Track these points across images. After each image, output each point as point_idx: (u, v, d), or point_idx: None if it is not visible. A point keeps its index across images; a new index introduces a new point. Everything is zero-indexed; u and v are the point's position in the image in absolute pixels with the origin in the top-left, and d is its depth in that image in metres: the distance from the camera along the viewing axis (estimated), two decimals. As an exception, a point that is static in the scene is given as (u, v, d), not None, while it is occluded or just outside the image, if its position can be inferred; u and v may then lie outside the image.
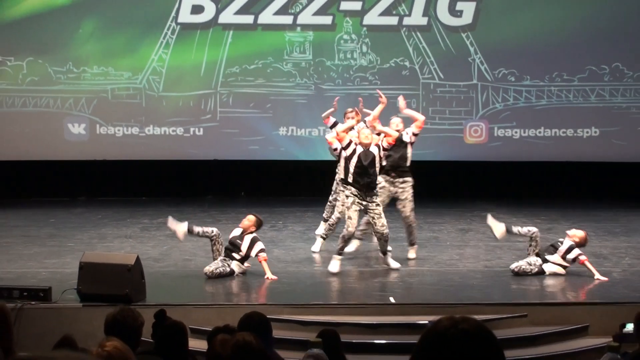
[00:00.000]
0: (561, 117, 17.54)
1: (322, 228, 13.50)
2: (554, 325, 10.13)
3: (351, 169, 11.62)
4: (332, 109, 13.06)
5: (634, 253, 12.92)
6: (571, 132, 17.61)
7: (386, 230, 11.59)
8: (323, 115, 13.16)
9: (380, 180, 12.09)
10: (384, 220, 11.55)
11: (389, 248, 11.98)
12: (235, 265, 11.39)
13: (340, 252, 11.73)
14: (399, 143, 12.15)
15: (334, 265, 11.69)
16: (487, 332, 2.26)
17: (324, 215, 13.55)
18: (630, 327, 8.03)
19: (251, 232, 11.57)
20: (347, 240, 11.71)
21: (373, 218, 11.62)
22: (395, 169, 12.33)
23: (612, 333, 8.81)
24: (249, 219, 11.67)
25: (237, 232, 11.66)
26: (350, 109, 13.01)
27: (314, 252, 12.71)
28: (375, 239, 12.57)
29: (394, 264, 11.84)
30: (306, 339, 7.31)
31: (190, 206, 16.39)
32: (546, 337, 10.00)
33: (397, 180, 12.35)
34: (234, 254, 11.43)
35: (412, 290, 11.12)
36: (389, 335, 9.84)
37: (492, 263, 11.96)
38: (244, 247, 11.44)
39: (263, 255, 11.41)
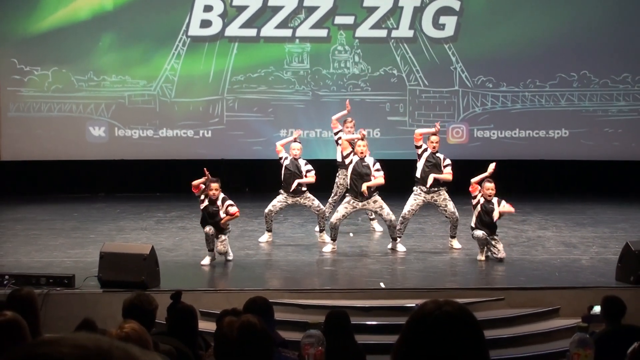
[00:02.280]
0: (534, 119, 17.54)
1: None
2: (529, 307, 10.12)
3: (348, 176, 11.93)
4: (344, 112, 13.34)
5: (600, 242, 12.92)
6: (543, 133, 17.62)
7: (392, 217, 11.93)
8: (334, 117, 13.44)
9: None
10: (387, 210, 11.85)
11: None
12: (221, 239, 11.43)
13: (333, 238, 12.17)
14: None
15: (328, 248, 12.18)
16: (468, 314, 2.25)
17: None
18: (597, 309, 8.04)
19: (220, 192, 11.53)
20: (334, 228, 12.07)
21: (376, 211, 12.07)
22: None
23: (581, 314, 8.82)
24: (217, 187, 11.46)
25: (208, 202, 11.49)
26: (350, 119, 13.15)
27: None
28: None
29: (400, 248, 12.04)
30: (305, 320, 7.30)
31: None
32: (521, 318, 10.00)
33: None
34: (215, 219, 11.39)
35: (400, 276, 11.11)
36: (379, 317, 9.84)
37: (473, 252, 11.94)
38: (222, 212, 11.43)
39: (233, 209, 11.37)
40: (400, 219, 12.24)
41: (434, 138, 12.29)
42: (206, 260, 11.44)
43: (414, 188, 12.33)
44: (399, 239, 12.23)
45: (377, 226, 13.53)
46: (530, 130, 17.59)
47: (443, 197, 12.26)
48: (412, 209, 12.25)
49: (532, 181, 17.56)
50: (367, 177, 11.89)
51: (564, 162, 17.57)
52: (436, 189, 12.23)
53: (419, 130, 12.60)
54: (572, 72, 17.43)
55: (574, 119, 17.54)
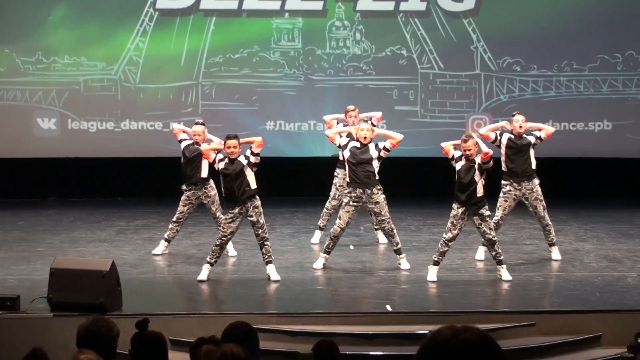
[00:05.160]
0: (571, 109, 17.56)
1: (317, 236, 13.59)
2: (564, 334, 10.15)
3: (346, 166, 11.95)
4: (339, 115, 13.31)
5: (650, 257, 12.95)
6: (581, 125, 17.64)
7: (387, 225, 11.91)
8: (327, 117, 13.34)
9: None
10: (387, 215, 11.84)
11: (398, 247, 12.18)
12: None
13: (327, 250, 12.20)
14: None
15: (319, 263, 12.21)
16: (491, 343, 2.26)
17: (319, 223, 13.60)
18: (645, 336, 8.06)
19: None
20: (334, 238, 12.09)
21: (373, 214, 12.09)
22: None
23: (627, 343, 8.84)
24: (236, 144, 11.93)
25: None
26: (352, 107, 13.11)
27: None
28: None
29: (405, 265, 12.06)
30: (295, 350, 7.32)
31: (170, 207, 16.30)
32: (556, 347, 10.02)
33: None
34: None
35: (410, 297, 11.12)
36: (385, 347, 9.85)
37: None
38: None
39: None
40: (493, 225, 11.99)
41: (519, 117, 12.61)
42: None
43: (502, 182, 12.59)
44: (404, 254, 12.22)
45: (382, 237, 13.51)
46: (565, 122, 17.61)
47: (535, 197, 12.38)
48: (504, 214, 12.44)
49: (568, 183, 17.58)
50: (367, 164, 11.81)
51: (606, 160, 17.59)
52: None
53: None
54: (616, 52, 17.45)
55: (618, 108, 17.56)
